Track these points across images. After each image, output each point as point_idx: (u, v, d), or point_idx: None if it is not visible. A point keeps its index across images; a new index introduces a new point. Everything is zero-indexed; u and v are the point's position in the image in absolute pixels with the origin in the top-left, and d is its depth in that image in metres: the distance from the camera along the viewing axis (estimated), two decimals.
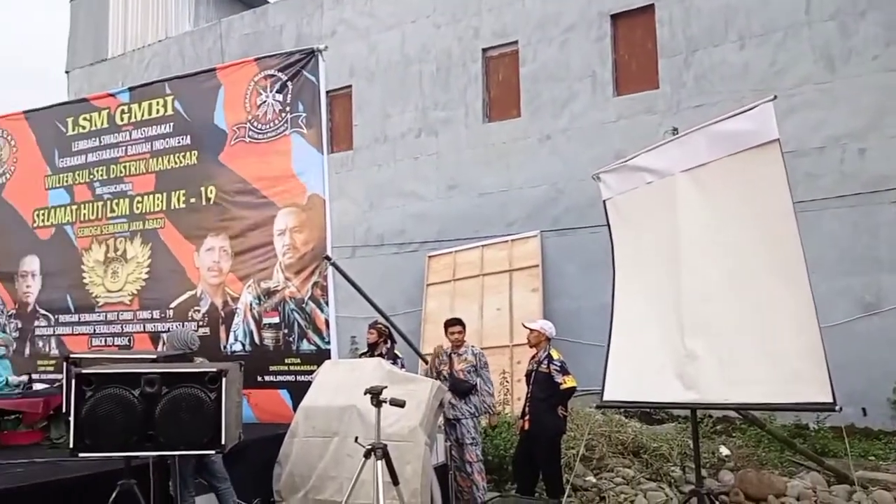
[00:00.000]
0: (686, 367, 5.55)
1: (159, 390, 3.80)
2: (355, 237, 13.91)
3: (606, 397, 6.35)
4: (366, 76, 14.35)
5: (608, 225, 6.78)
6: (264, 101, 8.60)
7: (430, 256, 12.98)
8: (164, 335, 6.49)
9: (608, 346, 6.43)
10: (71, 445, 3.85)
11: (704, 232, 5.63)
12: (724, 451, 8.23)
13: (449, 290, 12.48)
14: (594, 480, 7.45)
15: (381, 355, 7.77)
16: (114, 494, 4.60)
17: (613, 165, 6.94)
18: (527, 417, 6.80)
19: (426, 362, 8.14)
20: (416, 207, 13.55)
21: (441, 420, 6.89)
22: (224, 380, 3.85)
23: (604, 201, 6.81)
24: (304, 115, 8.37)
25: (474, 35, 13.30)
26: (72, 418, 3.89)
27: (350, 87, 14.46)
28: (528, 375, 6.98)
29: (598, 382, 6.56)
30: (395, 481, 5.07)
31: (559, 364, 6.67)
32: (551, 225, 12.11)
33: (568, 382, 6.61)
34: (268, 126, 8.57)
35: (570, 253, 11.72)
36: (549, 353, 6.78)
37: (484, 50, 13.26)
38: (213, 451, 3.86)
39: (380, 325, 8.14)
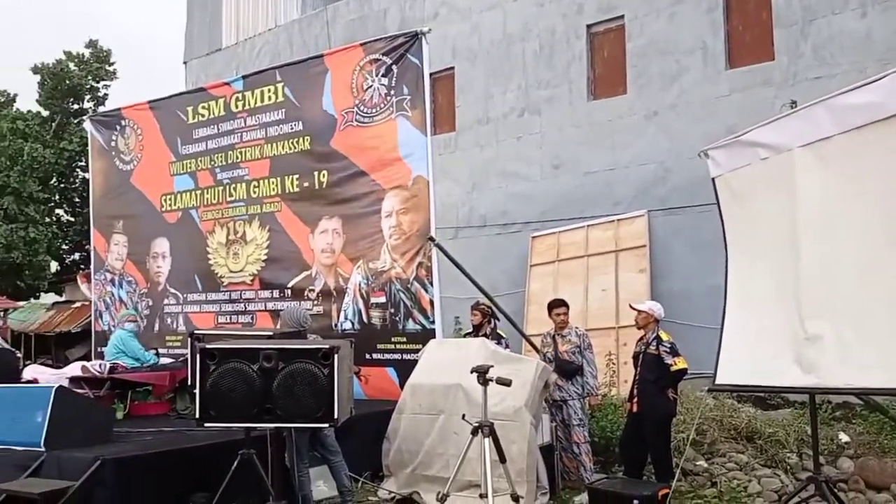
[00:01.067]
0: (805, 350, 5.32)
1: (276, 365, 3.99)
2: (458, 218, 14.00)
3: (719, 381, 6.17)
4: (468, 57, 14.35)
5: (718, 203, 6.56)
6: (370, 86, 8.77)
7: (533, 237, 12.92)
8: (281, 313, 6.78)
9: (721, 328, 6.24)
10: (196, 416, 4.10)
11: (827, 209, 5.35)
12: (844, 437, 7.84)
13: (553, 271, 12.39)
14: (705, 465, 7.27)
15: (485, 335, 7.84)
16: (235, 463, 4.88)
17: (723, 141, 6.69)
18: (635, 399, 6.70)
19: (532, 344, 8.15)
20: (519, 188, 13.49)
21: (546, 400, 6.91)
22: (336, 356, 4.00)
23: (713, 178, 6.59)
24: (408, 97, 8.49)
25: (578, 11, 13.04)
26: (197, 391, 4.14)
27: (452, 68, 14.50)
28: (635, 357, 6.87)
29: (708, 366, 6.39)
30: (503, 459, 5.12)
31: (669, 345, 6.53)
32: (659, 204, 11.79)
33: (679, 364, 6.46)
34: (374, 110, 8.75)
35: (679, 233, 11.39)
36: (657, 335, 6.64)
37: (588, 26, 12.99)
38: (326, 425, 4.02)
39: (483, 306, 8.20)
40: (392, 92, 8.60)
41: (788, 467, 7.26)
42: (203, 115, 10.33)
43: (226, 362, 3.99)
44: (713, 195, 6.60)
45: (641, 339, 6.84)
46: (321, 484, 6.45)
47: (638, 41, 12.39)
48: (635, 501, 5.51)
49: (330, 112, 9.10)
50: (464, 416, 5.55)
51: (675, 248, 11.41)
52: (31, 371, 8.55)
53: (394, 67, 8.61)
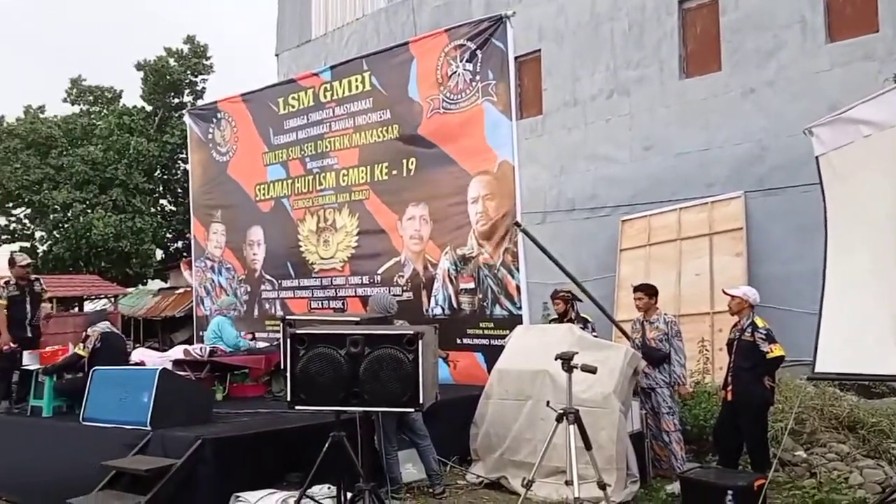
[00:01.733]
0: None
1: (362, 350, 4.07)
2: (546, 203, 13.87)
3: (819, 369, 5.90)
4: (555, 39, 14.14)
5: (820, 183, 6.25)
6: (455, 72, 8.77)
7: (623, 221, 12.66)
8: (369, 299, 6.92)
9: (819, 313, 5.96)
10: (287, 399, 4.24)
11: None
12: None
13: (644, 255, 12.12)
14: (804, 455, 6.99)
15: (570, 321, 7.77)
16: (326, 445, 5.02)
17: (827, 118, 6.35)
18: (729, 388, 6.49)
19: (621, 330, 8.02)
20: (608, 171, 13.24)
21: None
22: (420, 342, 4.05)
23: (816, 157, 6.27)
24: (493, 82, 8.44)
25: None
26: (287, 374, 4.28)
27: (539, 51, 14.32)
28: (729, 344, 6.65)
29: (808, 353, 6.11)
30: (588, 446, 5.07)
31: (765, 332, 6.29)
32: (756, 185, 11.34)
33: (775, 351, 6.21)
34: (460, 96, 8.74)
35: (778, 214, 10.92)
36: (752, 321, 6.41)
37: (680, 2, 12.57)
38: (412, 409, 4.08)
39: (563, 293, 8.13)
40: (477, 77, 8.58)
41: (893, 458, 6.91)
42: (293, 106, 10.59)
43: (314, 347, 4.11)
44: (814, 174, 6.29)
45: (736, 325, 6.61)
46: (410, 467, 6.56)
47: (732, 16, 11.91)
48: (729, 492, 5.36)
49: (416, 99, 9.16)
50: (548, 402, 5.52)
51: (774, 230, 10.96)
52: (138, 354, 9.03)
53: (478, 52, 8.58)
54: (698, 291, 11.12)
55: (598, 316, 8.36)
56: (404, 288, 9.23)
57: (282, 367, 6.52)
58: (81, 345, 7.21)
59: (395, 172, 9.38)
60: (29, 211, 25.94)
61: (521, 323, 7.98)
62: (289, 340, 4.32)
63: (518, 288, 8.22)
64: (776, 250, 10.87)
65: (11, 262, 7.82)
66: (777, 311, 9.38)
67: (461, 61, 8.70)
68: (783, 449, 6.58)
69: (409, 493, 6.28)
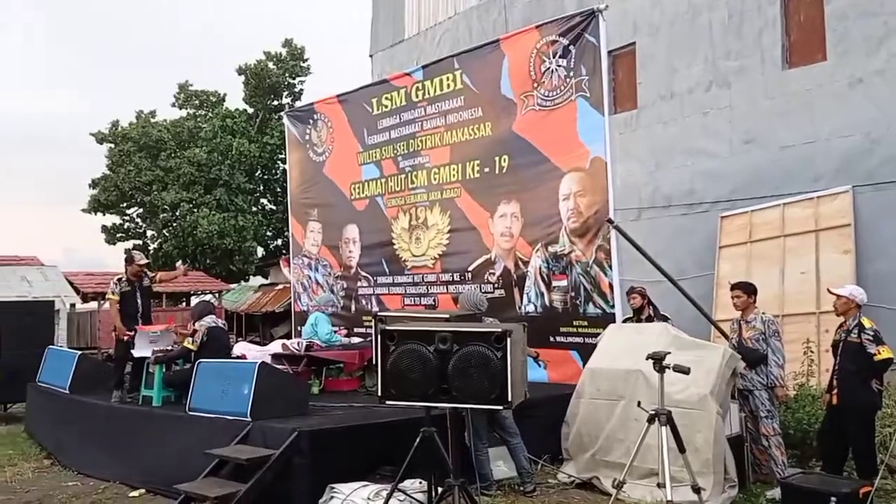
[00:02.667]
0: None
1: (451, 347, 4.11)
2: (641, 199, 13.56)
3: None
4: (650, 31, 13.79)
5: None
6: (548, 68, 8.71)
7: (722, 217, 12.23)
8: (459, 296, 6.97)
9: None
10: (378, 394, 4.33)
11: None
12: None
13: (745, 252, 11.67)
14: None
15: (648, 318, 7.60)
16: (417, 440, 5.09)
17: None
18: (835, 391, 6.19)
19: (720, 330, 7.77)
20: (706, 165, 12.81)
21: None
22: (509, 339, 4.05)
23: None
24: (586, 77, 8.34)
25: None
26: (378, 370, 4.37)
27: (633, 44, 13.99)
28: (834, 346, 6.34)
29: None
30: (682, 449, 4.95)
31: (872, 333, 5.97)
32: (865, 179, 10.72)
33: (883, 353, 5.89)
34: (554, 92, 8.68)
35: (889, 209, 10.29)
36: (859, 322, 6.09)
37: None
38: (500, 407, 4.09)
39: (639, 288, 7.99)
40: (570, 73, 8.49)
41: None
42: (386, 106, 10.78)
43: (404, 343, 4.18)
44: None
45: (842, 326, 6.31)
46: (501, 464, 6.58)
47: (838, 3, 11.29)
48: (833, 499, 5.12)
49: (509, 96, 9.16)
50: (639, 403, 5.42)
51: (884, 226, 10.34)
52: (239, 347, 9.42)
53: (571, 48, 8.49)
54: (803, 291, 10.62)
55: (697, 317, 8.11)
56: (495, 285, 9.25)
57: (374, 362, 6.66)
58: (190, 339, 7.57)
59: (486, 170, 9.40)
60: (141, 210, 27.38)
61: (614, 321, 7.87)
62: (379, 336, 4.40)
63: (611, 286, 8.10)
64: (886, 247, 10.26)
65: (130, 260, 8.25)
66: (886, 311, 8.88)
67: (554, 57, 8.64)
68: (891, 455, 6.23)
69: (500, 491, 6.30)
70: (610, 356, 6.79)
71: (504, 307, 8.78)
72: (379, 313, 7.72)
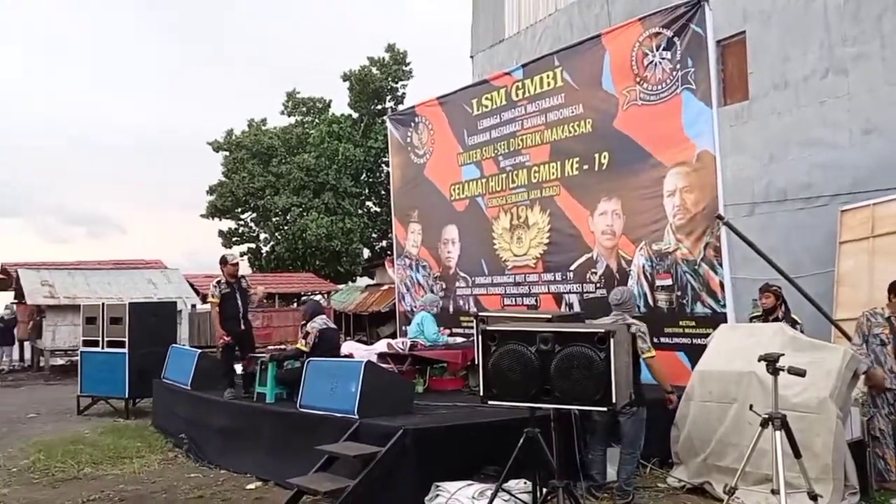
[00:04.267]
0: None
1: (553, 348, 4.07)
2: (754, 193, 13.00)
3: None
4: (760, 19, 13.20)
5: None
6: (651, 62, 8.50)
7: (842, 211, 11.56)
8: (612, 295, 6.68)
9: None
10: (480, 394, 4.35)
11: None
12: None
13: (867, 248, 10.98)
14: None
15: (776, 319, 7.23)
16: (521, 440, 5.07)
17: None
18: None
19: (841, 330, 7.35)
20: (824, 157, 12.15)
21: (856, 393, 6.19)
22: (612, 340, 3.98)
23: None
24: (692, 69, 8.07)
25: None
26: (479, 370, 4.39)
27: (743, 32, 13.44)
28: None
29: None
30: (797, 454, 4.71)
31: None
32: None
33: None
34: (659, 87, 8.45)
35: None
36: None
37: None
38: (604, 408, 4.02)
39: (774, 288, 7.57)
40: (675, 66, 8.25)
41: None
42: (486, 106, 10.79)
43: (505, 344, 4.17)
44: None
45: None
46: (608, 467, 6.45)
47: None
48: None
49: (611, 92, 8.99)
50: (751, 406, 5.20)
51: None
52: (347, 347, 9.65)
53: (675, 40, 8.25)
54: None
55: (817, 316, 7.71)
56: (597, 285, 9.09)
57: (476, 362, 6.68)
58: (303, 341, 7.85)
59: (586, 167, 9.27)
60: (254, 215, 28.60)
61: (725, 321, 7.57)
62: (480, 337, 4.41)
63: (721, 284, 7.81)
64: None
65: (223, 261, 8.56)
66: None
67: (657, 50, 8.42)
68: None
69: (608, 494, 6.18)
70: (722, 357, 6.54)
71: (605, 308, 8.59)
72: (480, 314, 7.75)
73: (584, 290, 9.24)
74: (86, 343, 11.94)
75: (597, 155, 9.12)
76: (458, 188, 11.36)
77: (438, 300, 10.95)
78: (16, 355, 19.81)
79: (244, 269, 27.49)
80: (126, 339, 11.24)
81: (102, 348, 11.51)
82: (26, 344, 20.08)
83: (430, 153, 11.94)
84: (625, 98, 8.80)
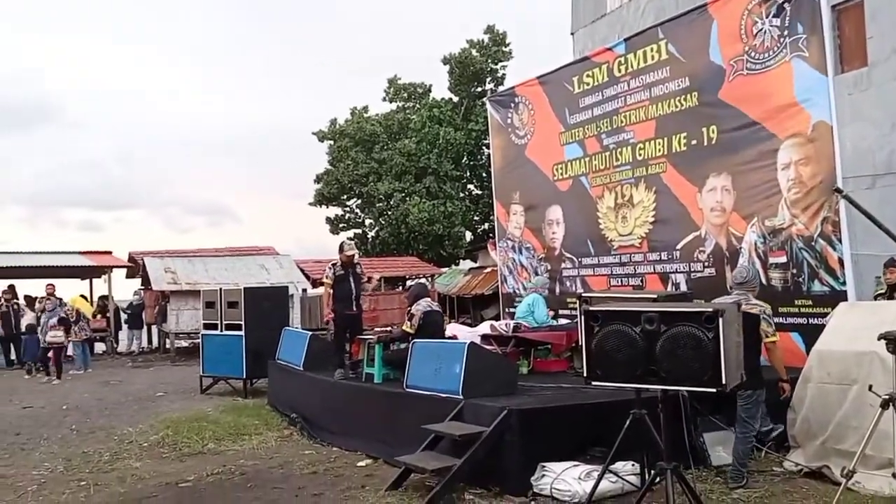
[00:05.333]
0: None
1: (658, 328, 3.99)
2: (875, 164, 12.23)
3: None
4: None
5: None
6: (760, 29, 8.14)
7: None
8: (735, 273, 6.48)
9: None
10: (584, 375, 4.32)
11: None
12: None
13: None
14: None
15: None
16: (627, 422, 5.02)
17: None
18: None
19: None
20: None
21: None
22: (721, 320, 3.86)
23: None
24: (803, 36, 7.68)
25: None
26: (583, 351, 4.36)
27: None
28: None
29: None
30: None
31: None
32: None
33: None
34: (766, 54, 8.09)
35: None
36: None
37: None
38: (713, 389, 3.91)
39: None
40: (785, 32, 7.87)
41: None
42: (588, 84, 10.62)
43: (608, 324, 4.12)
44: None
45: None
46: (720, 450, 6.30)
47: None
48: None
49: (717, 63, 8.67)
50: (870, 387, 4.94)
51: None
52: (451, 328, 9.79)
53: (786, 6, 7.86)
54: None
55: None
56: (705, 264, 8.82)
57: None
58: (408, 323, 8.02)
59: (694, 142, 8.98)
60: (359, 201, 29.25)
61: (845, 299, 7.20)
62: (583, 317, 4.38)
63: (841, 261, 7.43)
64: None
65: (341, 248, 8.90)
66: None
67: (767, 17, 8.05)
68: None
69: (720, 478, 6.03)
70: (841, 337, 6.23)
71: (714, 287, 8.33)
72: (584, 294, 7.66)
73: (692, 270, 8.98)
74: (206, 326, 12.61)
75: (704, 129, 8.82)
76: (561, 168, 11.25)
77: (548, 282, 10.89)
78: (144, 338, 21.14)
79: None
80: (242, 323, 11.79)
81: (221, 331, 12.13)
82: (153, 327, 21.39)
83: (532, 134, 11.86)
84: (732, 69, 8.48)
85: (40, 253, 20.97)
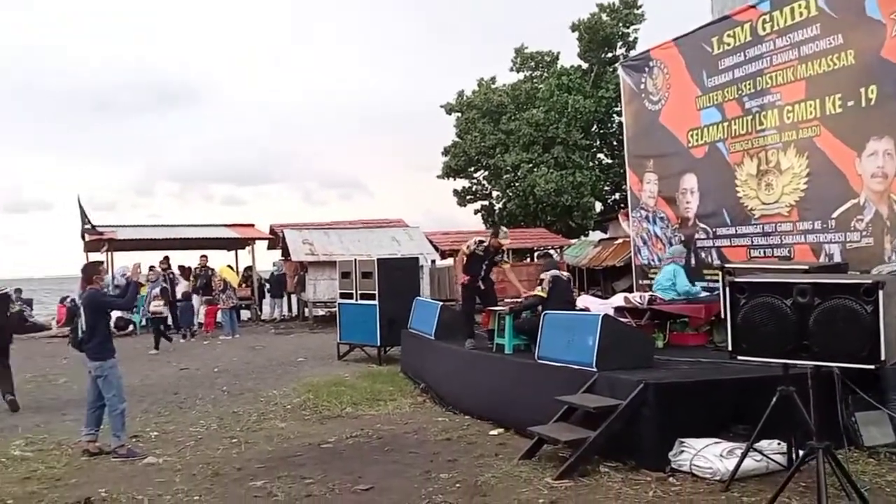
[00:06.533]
0: None
1: (811, 301, 3.76)
2: None
3: None
4: None
5: None
6: None
7: None
8: None
9: None
10: (729, 348, 4.14)
11: None
12: None
13: None
14: None
15: None
16: (773, 399, 4.79)
17: None
18: None
19: None
20: None
21: None
22: (881, 292, 3.59)
23: None
24: None
25: None
26: (728, 324, 4.17)
27: None
28: None
29: None
30: None
31: None
32: None
33: None
34: None
35: None
36: None
37: None
38: (871, 366, 3.65)
39: None
40: None
41: None
42: (728, 44, 10.07)
43: (756, 296, 3.92)
44: None
45: None
46: (873, 430, 5.91)
47: None
48: None
49: (875, 17, 7.98)
50: None
51: None
52: (581, 301, 9.66)
53: None
54: None
55: None
56: (863, 233, 8.21)
57: (722, 316, 6.37)
58: (538, 287, 8.01)
59: (850, 104, 8.33)
60: (486, 173, 29.28)
61: None
62: (728, 289, 4.19)
63: None
64: None
65: (496, 233, 8.84)
66: None
67: None
68: None
69: (873, 459, 5.67)
70: None
71: (871, 258, 7.74)
72: (727, 265, 7.33)
73: (848, 240, 8.38)
74: (342, 296, 13.10)
75: (863, 90, 8.17)
76: (697, 134, 10.77)
77: (685, 251, 10.53)
78: (285, 306, 22.24)
79: (479, 226, 28.45)
80: (376, 292, 12.14)
81: (356, 300, 12.55)
82: (293, 296, 22.47)
83: (666, 99, 11.41)
84: (893, 23, 7.77)
85: (190, 226, 22.43)
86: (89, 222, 20.28)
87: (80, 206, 20.36)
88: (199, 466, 6.30)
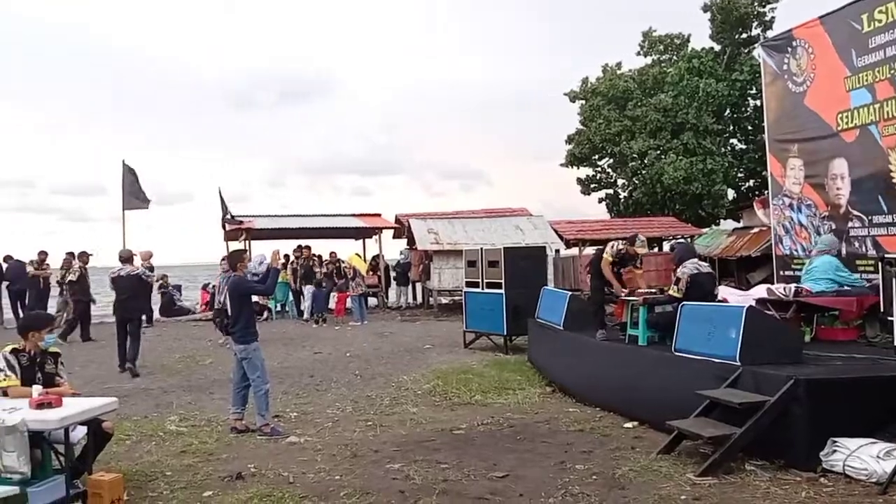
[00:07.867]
0: None
1: None
2: None
3: None
4: None
5: None
6: None
7: None
8: None
9: None
10: (894, 344, 3.87)
11: None
12: None
13: None
14: None
15: None
16: None
17: None
18: None
19: None
20: None
21: None
22: None
23: None
24: None
25: None
26: (894, 318, 3.90)
27: None
28: None
29: None
30: None
31: None
32: None
33: None
34: None
35: None
36: None
37: None
38: None
39: None
40: None
41: None
42: (880, 21, 9.39)
43: None
44: None
45: None
46: None
47: None
48: None
49: None
50: None
51: None
52: (721, 292, 9.24)
53: None
54: None
55: None
56: None
57: (881, 310, 5.96)
58: (674, 287, 7.74)
59: None
60: (611, 161, 28.67)
61: None
62: (893, 281, 3.91)
63: None
64: None
65: (632, 241, 8.60)
66: None
67: None
68: None
69: None
70: None
71: None
72: (887, 255, 6.82)
73: None
74: (468, 284, 13.20)
75: None
76: (846, 116, 10.10)
77: (837, 241, 9.91)
78: (410, 294, 22.70)
79: (603, 214, 27.91)
80: (503, 281, 12.16)
81: (482, 289, 12.62)
82: (418, 284, 22.89)
83: (811, 80, 10.77)
84: None
85: (322, 215, 23.29)
86: (229, 212, 21.40)
87: (221, 198, 21.52)
88: (337, 447, 6.54)
